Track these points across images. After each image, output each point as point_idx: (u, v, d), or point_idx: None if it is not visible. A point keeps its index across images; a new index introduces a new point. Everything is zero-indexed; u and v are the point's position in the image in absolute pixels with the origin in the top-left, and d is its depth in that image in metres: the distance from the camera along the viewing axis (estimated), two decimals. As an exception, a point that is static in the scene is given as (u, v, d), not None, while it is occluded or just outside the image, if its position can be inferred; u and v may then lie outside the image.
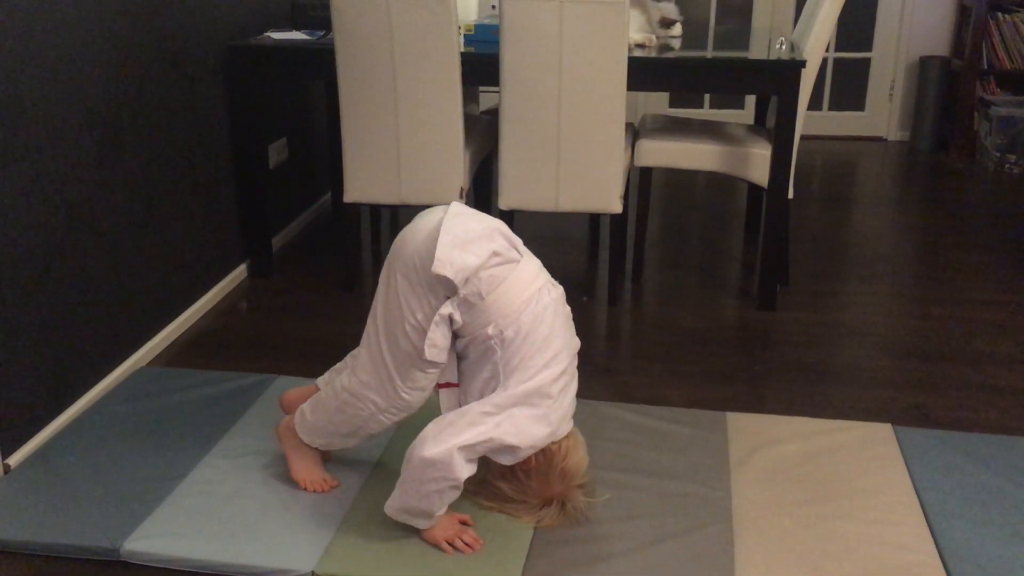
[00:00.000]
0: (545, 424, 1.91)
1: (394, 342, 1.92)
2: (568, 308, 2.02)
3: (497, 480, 2.03)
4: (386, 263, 1.96)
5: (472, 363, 1.96)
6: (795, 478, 2.21)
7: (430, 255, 1.85)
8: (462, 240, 1.86)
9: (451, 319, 1.89)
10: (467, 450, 1.87)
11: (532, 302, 1.91)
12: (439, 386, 2.00)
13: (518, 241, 1.97)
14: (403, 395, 1.96)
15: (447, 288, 1.87)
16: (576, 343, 2.02)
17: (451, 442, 1.85)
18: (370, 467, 2.23)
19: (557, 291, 1.99)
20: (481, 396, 1.93)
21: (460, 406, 1.97)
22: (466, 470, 1.89)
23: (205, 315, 3.15)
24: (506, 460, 1.95)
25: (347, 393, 2.00)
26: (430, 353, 1.89)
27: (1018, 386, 2.69)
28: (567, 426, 1.97)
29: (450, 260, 1.83)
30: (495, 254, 1.88)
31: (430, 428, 1.90)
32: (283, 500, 2.11)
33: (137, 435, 2.36)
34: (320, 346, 2.93)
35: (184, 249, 3.03)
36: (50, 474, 2.20)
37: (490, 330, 1.89)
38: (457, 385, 1.99)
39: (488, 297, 1.87)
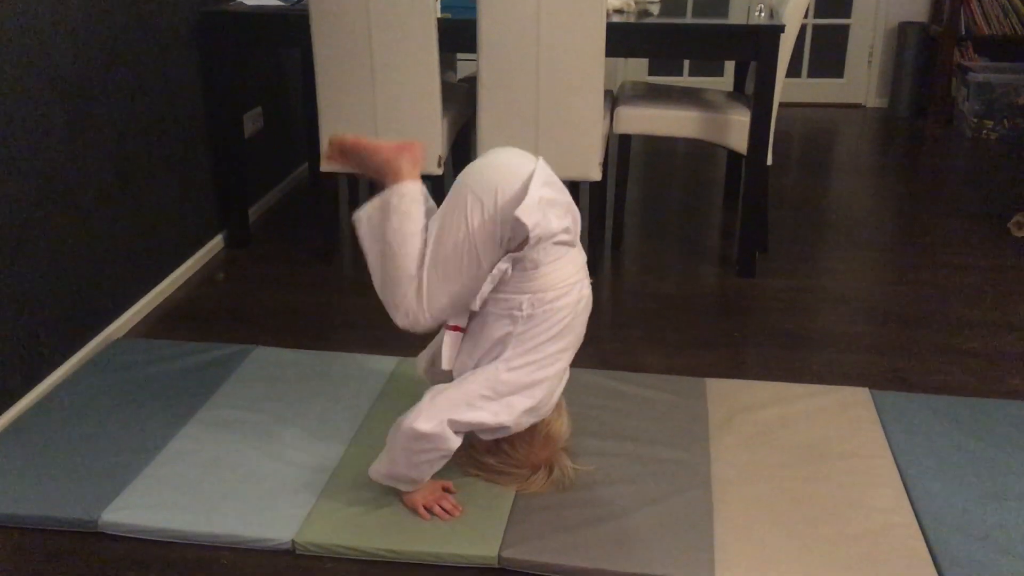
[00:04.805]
0: (534, 415, 1.93)
1: (445, 261, 1.88)
2: (591, 308, 2.00)
3: (483, 456, 2.03)
4: (461, 185, 1.89)
5: (488, 318, 1.92)
6: (774, 442, 2.22)
7: (514, 195, 1.81)
8: (550, 200, 1.84)
9: (505, 274, 1.87)
10: (458, 425, 1.88)
11: (571, 291, 1.90)
12: (447, 327, 1.98)
13: (579, 227, 1.95)
14: (417, 303, 1.91)
15: (516, 234, 1.82)
16: (582, 339, 2.01)
17: (444, 416, 1.86)
18: (350, 436, 2.22)
19: (588, 291, 1.98)
20: (481, 359, 1.92)
21: (458, 355, 1.97)
22: (457, 441, 1.90)
23: (181, 286, 3.12)
24: (487, 437, 1.97)
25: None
26: (475, 304, 1.89)
27: (994, 350, 2.71)
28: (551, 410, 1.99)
29: (533, 211, 1.80)
30: (566, 230, 1.87)
31: (425, 401, 1.89)
32: (262, 470, 2.10)
33: (113, 407, 2.34)
34: (298, 317, 2.91)
35: (159, 220, 3.00)
36: (25, 447, 2.18)
37: (524, 301, 1.87)
38: (464, 330, 1.98)
39: (540, 268, 1.86)
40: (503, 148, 1.96)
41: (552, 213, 1.83)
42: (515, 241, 1.84)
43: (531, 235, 1.80)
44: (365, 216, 1.98)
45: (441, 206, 1.93)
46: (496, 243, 1.85)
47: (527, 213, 1.79)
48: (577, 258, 1.94)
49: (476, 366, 1.93)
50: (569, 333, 1.93)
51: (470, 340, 1.96)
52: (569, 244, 1.90)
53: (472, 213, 1.84)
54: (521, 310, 1.88)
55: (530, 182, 1.82)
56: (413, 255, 1.90)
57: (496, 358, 1.90)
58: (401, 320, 1.94)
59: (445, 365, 1.98)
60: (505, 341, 1.90)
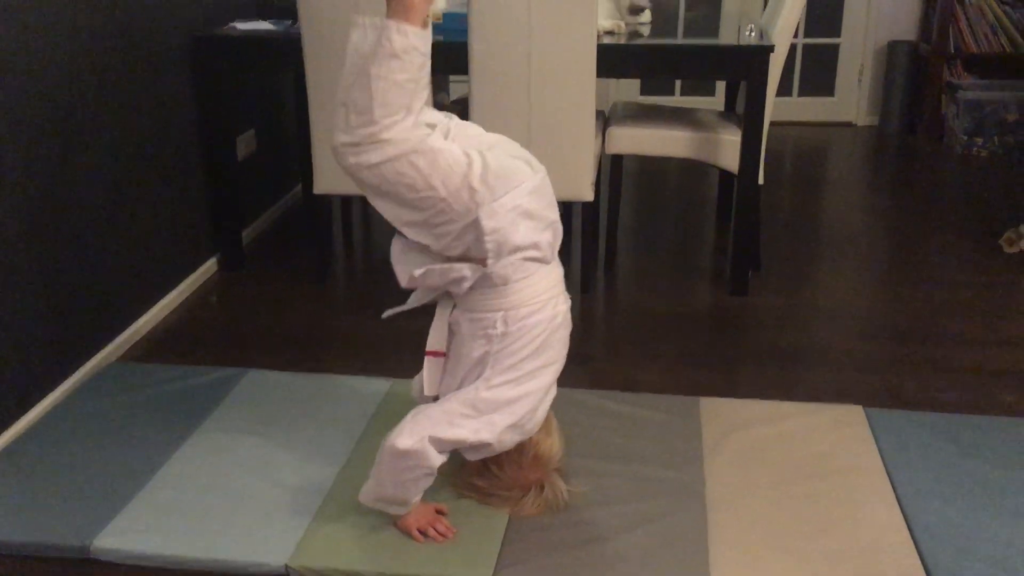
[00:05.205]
0: (519, 433, 1.92)
1: (410, 176, 1.76)
2: (571, 322, 1.98)
3: (472, 477, 2.03)
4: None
5: (465, 339, 1.91)
6: (768, 460, 2.22)
7: (492, 192, 1.76)
8: (528, 211, 1.80)
9: (461, 279, 1.83)
10: (440, 443, 1.87)
11: (544, 307, 1.89)
12: (426, 352, 1.96)
13: (559, 244, 1.94)
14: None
15: (477, 238, 1.78)
16: (565, 355, 1.99)
17: (425, 433, 1.85)
18: (343, 459, 2.22)
19: (566, 305, 1.96)
20: (464, 380, 1.91)
21: (443, 378, 1.95)
22: (440, 459, 1.89)
23: (175, 310, 3.12)
24: (472, 456, 1.96)
25: None
26: (399, 243, 1.90)
27: (985, 366, 2.71)
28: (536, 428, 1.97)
29: (500, 219, 1.76)
30: (535, 246, 1.84)
31: (407, 420, 1.89)
32: (256, 494, 2.09)
33: (107, 431, 2.34)
34: (293, 339, 2.91)
35: (152, 243, 3.00)
36: (18, 472, 2.17)
37: (497, 319, 1.86)
38: (444, 355, 1.96)
39: (509, 285, 1.85)
40: (523, 151, 1.93)
41: (524, 225, 1.81)
42: (476, 247, 1.80)
43: (486, 239, 1.77)
44: (360, 30, 1.78)
45: (464, 126, 1.88)
46: (455, 231, 1.79)
47: (489, 216, 1.76)
48: (551, 274, 1.92)
49: (460, 387, 1.93)
50: (548, 349, 1.91)
51: (452, 363, 1.95)
52: (540, 261, 1.88)
53: (462, 183, 1.76)
54: (495, 328, 1.86)
55: (519, 184, 1.80)
56: (389, 105, 1.71)
57: (478, 378, 1.90)
58: (338, 137, 1.76)
59: (427, 391, 1.97)
60: (484, 361, 1.89)
